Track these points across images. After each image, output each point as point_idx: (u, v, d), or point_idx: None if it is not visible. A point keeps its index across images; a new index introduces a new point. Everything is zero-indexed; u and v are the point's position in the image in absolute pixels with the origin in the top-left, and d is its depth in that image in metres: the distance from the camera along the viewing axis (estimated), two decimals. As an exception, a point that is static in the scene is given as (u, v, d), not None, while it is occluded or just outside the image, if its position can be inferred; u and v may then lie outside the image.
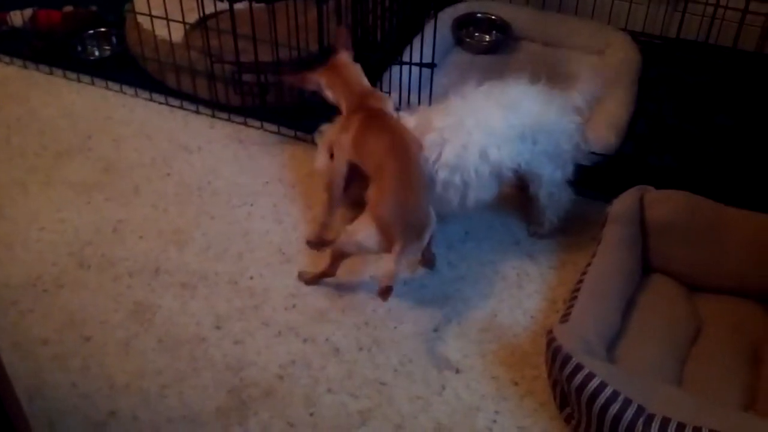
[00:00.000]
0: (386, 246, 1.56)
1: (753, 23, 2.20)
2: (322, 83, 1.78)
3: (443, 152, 1.67)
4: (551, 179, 1.76)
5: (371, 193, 1.63)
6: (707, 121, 2.06)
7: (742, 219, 1.64)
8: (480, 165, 1.67)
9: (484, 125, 1.66)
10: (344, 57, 1.80)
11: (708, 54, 2.00)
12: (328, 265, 1.69)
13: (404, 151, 1.63)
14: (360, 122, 1.69)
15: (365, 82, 1.80)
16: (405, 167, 1.61)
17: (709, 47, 1.87)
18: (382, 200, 1.59)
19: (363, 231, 1.60)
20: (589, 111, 1.79)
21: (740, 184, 1.88)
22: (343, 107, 1.76)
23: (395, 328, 1.67)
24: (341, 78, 1.77)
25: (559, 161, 1.74)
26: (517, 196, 1.93)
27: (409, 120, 1.74)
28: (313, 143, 2.13)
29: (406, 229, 1.56)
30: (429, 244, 1.70)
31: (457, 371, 1.58)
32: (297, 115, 2.19)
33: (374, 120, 1.69)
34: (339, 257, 1.68)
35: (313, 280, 1.75)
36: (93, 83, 2.37)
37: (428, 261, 1.79)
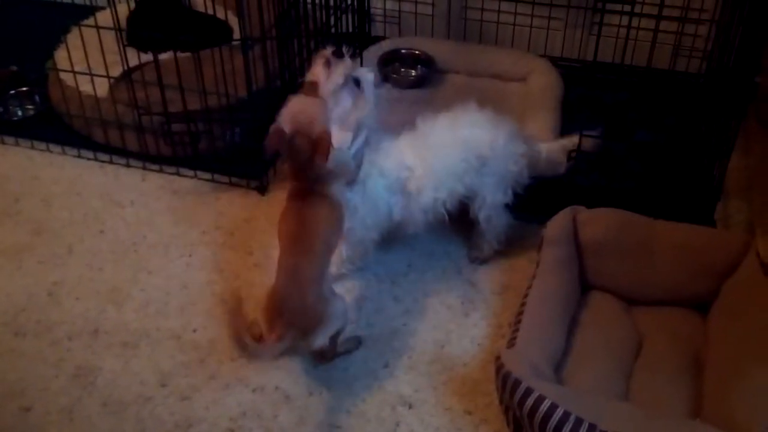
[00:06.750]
0: (265, 328, 1.47)
1: (665, 42, 2.31)
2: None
3: (416, 191, 1.75)
4: (492, 202, 1.82)
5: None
6: (629, 138, 2.14)
7: (671, 231, 1.70)
8: (446, 198, 1.77)
9: (449, 165, 1.75)
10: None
11: (625, 74, 2.09)
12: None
13: (307, 245, 1.52)
14: (288, 196, 1.59)
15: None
16: (298, 261, 1.50)
17: (625, 68, 1.96)
18: (271, 290, 1.50)
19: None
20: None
21: (665, 197, 1.95)
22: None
23: (345, 369, 1.66)
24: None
25: (502, 185, 1.81)
26: (458, 221, 1.95)
27: (385, 153, 1.75)
28: (249, 188, 2.13)
29: (281, 322, 1.45)
30: (334, 340, 1.61)
31: (410, 406, 1.58)
32: (230, 161, 2.18)
33: (299, 200, 1.56)
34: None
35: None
36: (18, 144, 2.32)
37: (323, 357, 1.65)
